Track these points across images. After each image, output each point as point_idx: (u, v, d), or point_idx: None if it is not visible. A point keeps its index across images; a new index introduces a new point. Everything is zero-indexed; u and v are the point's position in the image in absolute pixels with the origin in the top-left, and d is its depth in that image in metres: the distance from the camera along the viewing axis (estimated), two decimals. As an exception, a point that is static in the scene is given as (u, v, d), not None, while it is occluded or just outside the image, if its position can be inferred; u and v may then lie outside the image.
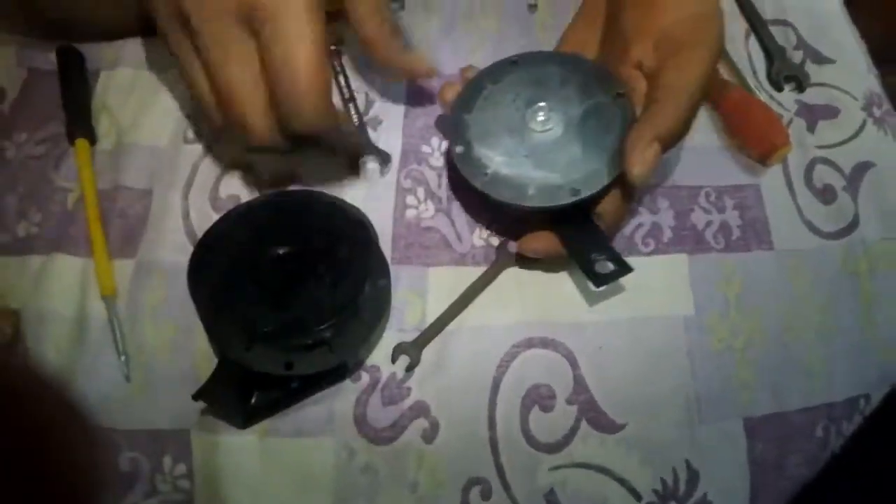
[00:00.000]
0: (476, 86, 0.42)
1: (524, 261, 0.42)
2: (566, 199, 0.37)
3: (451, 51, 0.49)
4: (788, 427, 0.40)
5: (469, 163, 0.39)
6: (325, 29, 0.34)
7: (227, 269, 0.36)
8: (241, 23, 0.34)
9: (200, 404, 0.37)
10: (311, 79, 0.33)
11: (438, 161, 0.45)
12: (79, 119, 0.47)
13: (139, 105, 0.48)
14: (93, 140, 0.47)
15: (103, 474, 0.36)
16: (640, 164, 0.36)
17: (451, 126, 0.41)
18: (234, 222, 0.37)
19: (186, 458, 0.38)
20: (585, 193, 0.37)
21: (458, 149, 0.40)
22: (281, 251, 0.36)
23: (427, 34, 0.50)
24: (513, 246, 0.42)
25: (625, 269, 0.38)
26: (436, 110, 0.47)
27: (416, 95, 0.47)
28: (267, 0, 0.33)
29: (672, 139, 0.37)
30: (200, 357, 0.40)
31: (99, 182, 0.45)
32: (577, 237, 0.39)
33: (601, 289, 0.39)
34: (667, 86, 0.37)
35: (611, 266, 0.38)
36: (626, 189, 0.39)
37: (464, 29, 0.50)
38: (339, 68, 0.48)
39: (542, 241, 0.40)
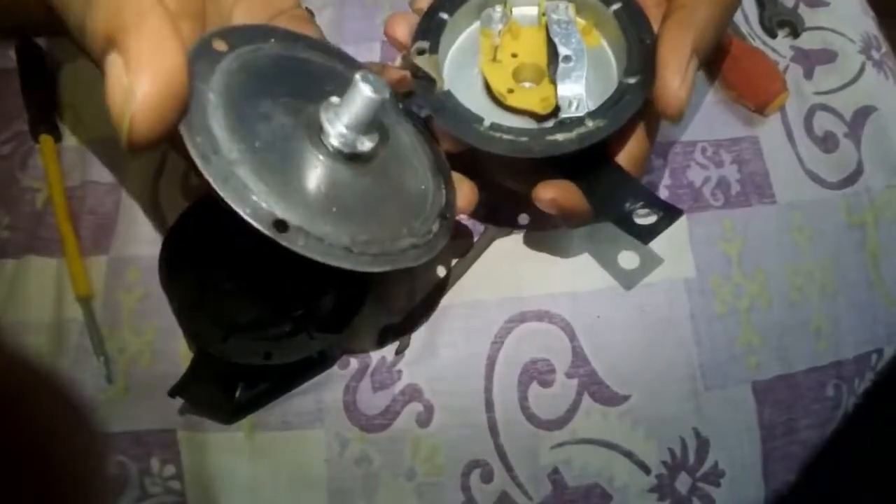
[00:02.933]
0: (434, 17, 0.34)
1: (524, 235, 0.40)
2: (590, 139, 0.30)
3: None
4: (797, 388, 0.39)
5: (458, 118, 0.32)
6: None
7: (200, 259, 0.34)
8: None
9: (182, 402, 0.35)
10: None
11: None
12: (41, 115, 0.45)
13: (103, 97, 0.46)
14: (58, 136, 0.45)
15: (103, 477, 0.35)
16: (682, 87, 0.29)
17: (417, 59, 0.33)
18: (204, 209, 0.35)
19: (175, 458, 0.37)
20: (614, 126, 0.30)
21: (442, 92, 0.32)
22: (254, 236, 0.34)
23: (396, 2, 0.48)
24: (524, 218, 0.39)
25: (674, 213, 0.30)
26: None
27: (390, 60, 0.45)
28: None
29: (707, 56, 0.31)
30: (183, 354, 0.38)
31: (67, 179, 0.44)
32: (604, 186, 0.32)
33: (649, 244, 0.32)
34: None
35: (653, 215, 0.30)
36: (651, 124, 0.33)
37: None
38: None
39: (562, 191, 0.32)
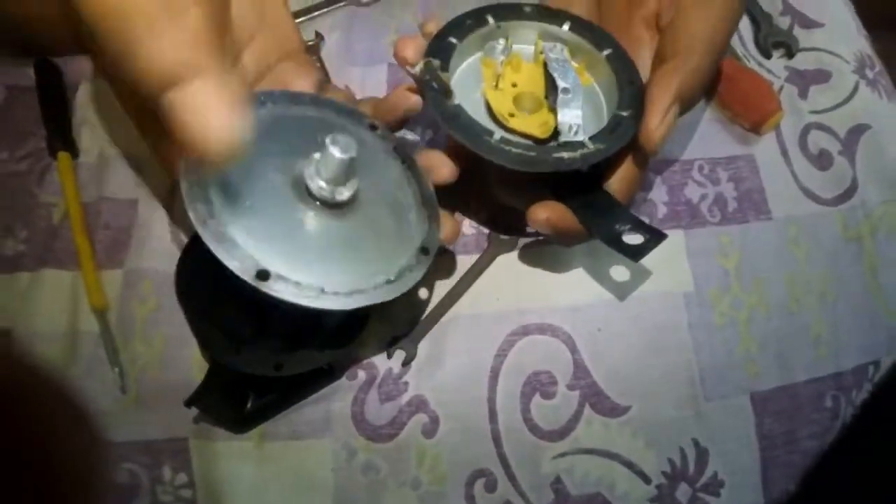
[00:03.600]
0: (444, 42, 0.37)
1: (525, 249, 0.41)
2: (592, 159, 0.33)
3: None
4: (796, 399, 0.40)
5: (469, 131, 0.34)
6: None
7: (213, 274, 0.35)
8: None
9: (197, 412, 0.36)
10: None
11: (417, 133, 0.45)
12: (59, 133, 0.47)
13: (121, 116, 0.47)
14: (75, 153, 0.47)
15: (104, 480, 0.36)
16: (661, 127, 0.33)
17: (433, 82, 0.35)
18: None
19: (186, 467, 0.37)
20: (613, 149, 0.33)
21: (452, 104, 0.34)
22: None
23: (403, 24, 0.49)
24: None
25: (659, 236, 0.33)
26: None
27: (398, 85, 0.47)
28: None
29: (692, 99, 0.35)
30: (195, 366, 0.39)
31: (83, 195, 0.45)
32: (594, 209, 0.35)
33: (638, 262, 0.34)
34: (689, 37, 0.34)
35: (640, 237, 0.33)
36: (639, 157, 0.36)
37: (441, 18, 0.49)
38: (318, 63, 0.47)
39: (555, 212, 0.34)
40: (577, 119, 0.34)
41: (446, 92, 0.34)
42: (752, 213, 0.43)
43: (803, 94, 0.46)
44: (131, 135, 0.46)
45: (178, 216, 0.44)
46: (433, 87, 0.34)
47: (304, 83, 0.35)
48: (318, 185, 0.30)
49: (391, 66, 0.47)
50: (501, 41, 0.38)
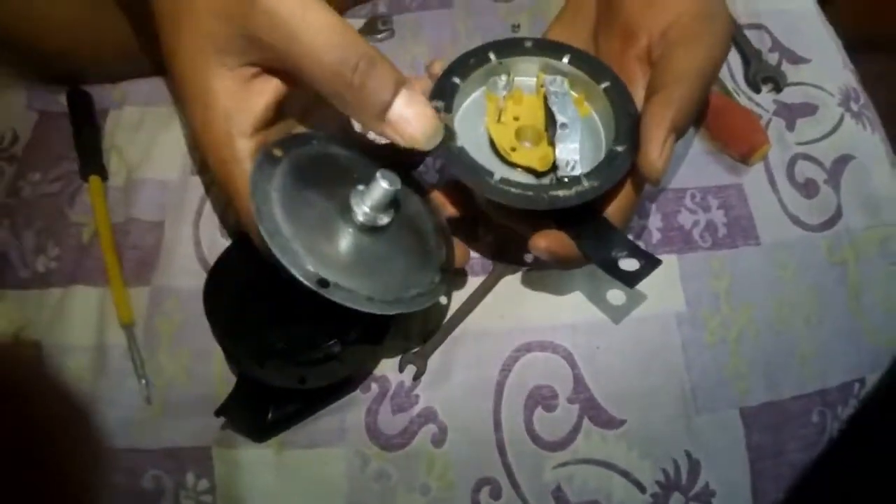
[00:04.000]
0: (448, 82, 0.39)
1: (528, 273, 0.44)
2: (587, 196, 0.35)
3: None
4: (784, 414, 0.41)
5: (470, 168, 0.36)
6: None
7: (240, 291, 0.38)
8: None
9: (219, 421, 0.39)
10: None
11: (433, 178, 0.47)
12: (90, 157, 0.50)
13: (147, 141, 0.50)
14: (104, 176, 0.49)
15: (106, 484, 0.38)
16: (661, 158, 0.35)
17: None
18: (245, 246, 0.39)
19: (209, 473, 0.40)
20: (607, 185, 0.35)
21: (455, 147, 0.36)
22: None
23: (415, 59, 0.52)
24: (530, 257, 0.44)
25: (654, 262, 0.35)
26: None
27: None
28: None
29: (684, 127, 0.36)
30: (217, 378, 0.42)
31: (112, 216, 0.48)
32: (592, 237, 0.37)
33: (633, 288, 0.36)
34: (679, 69, 0.36)
35: (636, 263, 0.35)
36: (636, 184, 0.38)
37: (450, 54, 0.52)
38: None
39: (554, 240, 0.37)
40: (574, 154, 0.37)
41: (450, 135, 0.37)
42: (741, 239, 0.45)
43: (790, 127, 0.49)
44: (159, 159, 0.50)
45: (204, 239, 0.46)
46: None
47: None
48: (364, 211, 0.34)
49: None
50: (504, 77, 0.40)
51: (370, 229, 0.34)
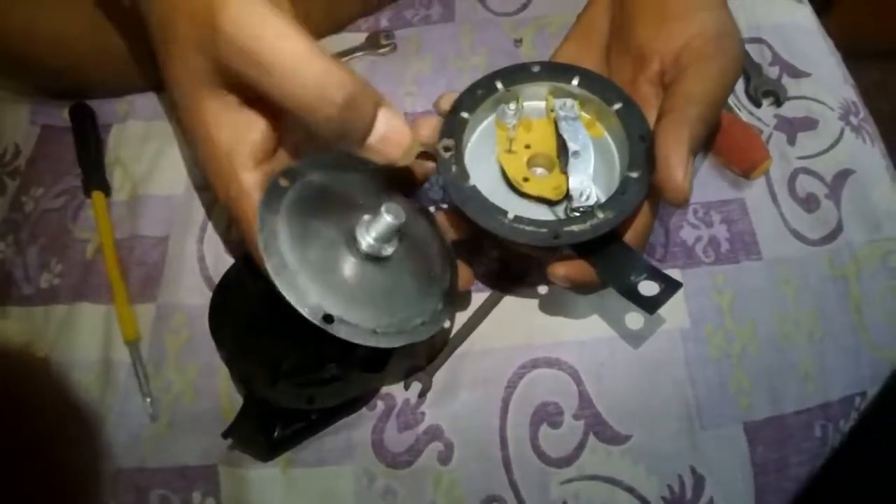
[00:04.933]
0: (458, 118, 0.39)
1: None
2: (601, 229, 0.35)
3: (443, 88, 0.51)
4: (787, 428, 0.42)
5: (482, 208, 0.36)
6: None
7: (245, 310, 0.38)
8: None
9: (227, 440, 0.39)
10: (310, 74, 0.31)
11: (437, 195, 0.47)
12: (94, 172, 0.50)
13: (151, 156, 0.50)
14: (108, 192, 0.50)
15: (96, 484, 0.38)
16: (686, 178, 0.34)
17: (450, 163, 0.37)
18: (250, 265, 0.39)
19: (215, 492, 0.40)
20: (622, 217, 0.35)
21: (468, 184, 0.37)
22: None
23: (418, 74, 0.52)
24: (543, 289, 0.44)
25: (675, 286, 0.35)
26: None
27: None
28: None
29: (699, 149, 0.36)
30: (223, 394, 0.42)
31: (116, 232, 0.48)
32: (611, 262, 0.36)
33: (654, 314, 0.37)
34: (692, 91, 0.36)
35: (656, 286, 0.35)
36: (652, 205, 0.38)
37: (453, 68, 0.53)
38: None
39: (573, 268, 0.37)
40: (587, 183, 0.37)
41: (462, 174, 0.37)
42: (743, 254, 0.45)
43: (791, 141, 0.49)
44: (163, 174, 0.50)
45: (209, 256, 0.47)
46: (449, 170, 0.37)
47: None
48: (368, 241, 0.34)
49: (408, 115, 0.50)
50: (512, 105, 0.40)
51: (375, 259, 0.35)
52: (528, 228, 0.35)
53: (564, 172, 0.38)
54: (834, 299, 0.45)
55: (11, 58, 0.48)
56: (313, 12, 0.40)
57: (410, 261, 0.37)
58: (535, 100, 0.41)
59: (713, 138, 0.48)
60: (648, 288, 0.35)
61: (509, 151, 0.39)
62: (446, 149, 0.38)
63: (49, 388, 0.44)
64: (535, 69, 0.40)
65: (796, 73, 0.52)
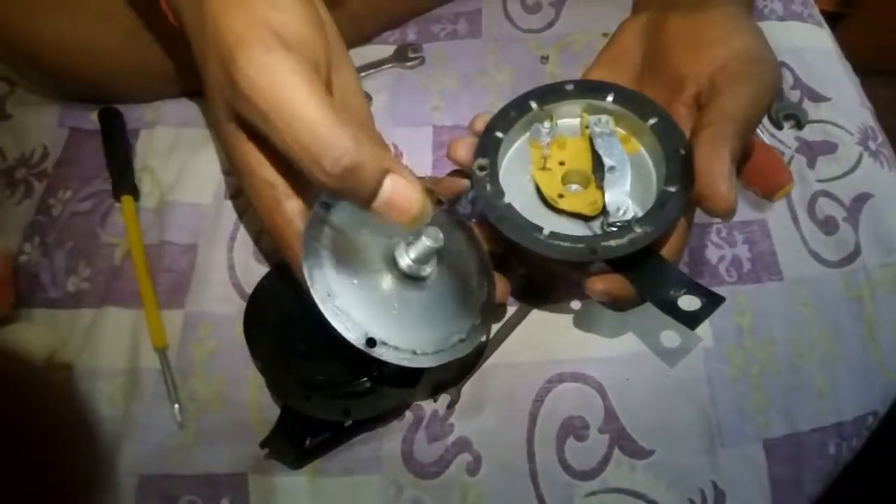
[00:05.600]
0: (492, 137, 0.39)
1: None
2: (639, 244, 0.35)
3: (468, 104, 0.52)
4: (803, 446, 0.43)
5: (517, 225, 0.37)
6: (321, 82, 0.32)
7: (280, 321, 0.39)
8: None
9: (254, 447, 0.39)
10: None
11: (466, 208, 0.48)
12: (123, 177, 0.50)
13: (181, 163, 0.51)
14: (137, 196, 0.50)
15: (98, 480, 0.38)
16: (731, 191, 0.34)
17: (487, 184, 0.38)
18: (284, 274, 0.39)
19: (244, 499, 0.40)
20: (660, 231, 0.35)
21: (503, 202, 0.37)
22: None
23: (445, 89, 0.53)
24: (576, 304, 0.45)
25: (717, 300, 0.34)
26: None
27: (443, 146, 0.50)
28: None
29: (739, 157, 0.35)
30: (251, 404, 0.42)
31: (145, 237, 0.48)
32: (648, 276, 0.36)
33: (696, 329, 0.36)
34: (728, 109, 0.36)
35: (697, 301, 0.34)
36: (689, 219, 0.38)
37: (478, 84, 0.53)
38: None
39: (612, 283, 0.37)
40: (624, 198, 0.37)
41: (497, 192, 0.38)
42: (765, 274, 0.46)
43: (811, 164, 0.50)
44: (192, 182, 0.50)
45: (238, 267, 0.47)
46: (484, 188, 0.38)
47: None
48: (408, 263, 0.35)
49: (436, 128, 0.51)
50: (546, 123, 0.40)
51: (414, 279, 0.36)
52: (564, 244, 0.36)
53: (600, 188, 0.38)
54: (849, 321, 0.46)
55: (44, 67, 0.48)
56: (337, 23, 0.40)
57: (448, 277, 0.37)
58: (568, 117, 0.41)
59: (745, 162, 0.49)
60: (689, 303, 0.34)
61: (543, 169, 0.40)
62: (481, 168, 0.39)
63: (72, 400, 0.44)
64: (569, 87, 0.41)
65: (816, 98, 0.53)
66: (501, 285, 0.40)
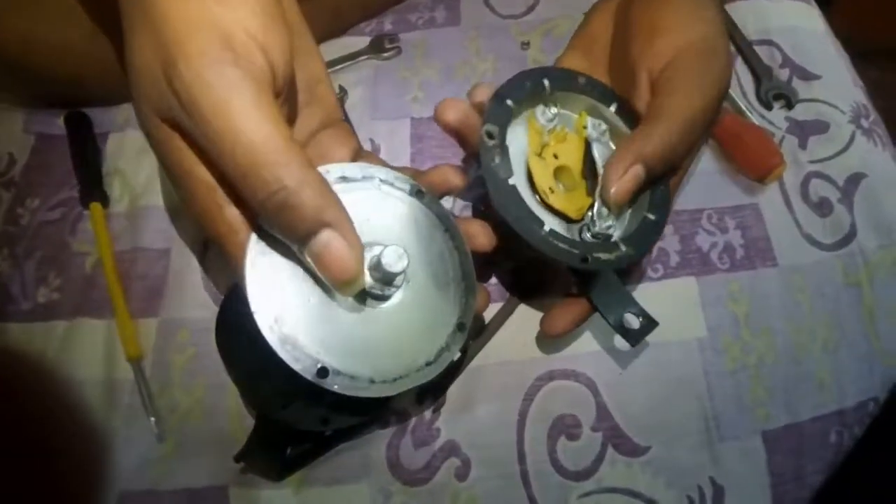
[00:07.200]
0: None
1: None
2: (623, 263, 0.35)
3: (450, 94, 0.50)
4: (804, 436, 0.41)
5: (522, 217, 0.34)
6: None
7: (253, 328, 0.37)
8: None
9: (233, 458, 0.38)
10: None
11: (447, 202, 0.46)
12: (91, 183, 0.48)
13: (152, 166, 0.49)
14: (106, 203, 0.48)
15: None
16: (616, 184, 0.34)
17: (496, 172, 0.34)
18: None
19: (226, 513, 0.39)
20: (641, 255, 0.36)
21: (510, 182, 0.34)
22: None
23: (424, 80, 0.51)
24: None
25: (653, 323, 0.37)
26: (443, 152, 0.48)
27: (422, 139, 0.49)
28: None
29: (660, 164, 0.35)
30: (232, 414, 0.41)
31: (116, 244, 0.47)
32: (606, 292, 0.37)
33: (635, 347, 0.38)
34: (658, 107, 0.35)
35: (638, 321, 0.37)
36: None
37: (461, 74, 0.52)
38: (343, 116, 0.49)
39: (570, 316, 0.38)
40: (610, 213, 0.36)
41: (505, 168, 0.34)
42: (758, 261, 0.45)
43: (803, 145, 0.49)
44: (162, 185, 0.48)
45: (212, 274, 0.45)
46: (492, 161, 0.34)
47: (343, 150, 0.37)
48: (371, 283, 0.31)
49: (414, 121, 0.49)
50: (552, 109, 0.38)
51: (378, 298, 0.32)
52: (561, 246, 0.34)
53: (590, 195, 0.37)
54: (847, 307, 0.45)
55: (8, 67, 0.46)
56: (313, 16, 0.38)
57: (420, 291, 0.33)
58: (567, 110, 0.39)
59: (721, 141, 0.48)
60: (631, 322, 0.37)
61: (539, 156, 0.37)
62: (489, 135, 0.34)
63: (50, 411, 0.42)
64: (581, 80, 0.38)
65: (806, 76, 0.52)
66: (483, 295, 0.37)
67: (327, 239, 0.28)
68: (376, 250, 0.31)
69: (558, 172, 0.38)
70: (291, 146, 0.27)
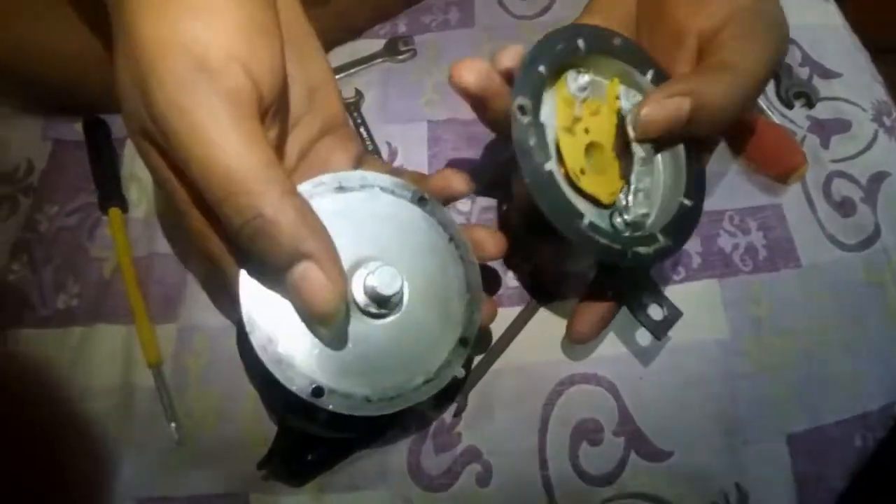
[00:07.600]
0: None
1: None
2: (663, 256, 0.33)
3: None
4: (828, 440, 0.41)
5: (560, 209, 0.30)
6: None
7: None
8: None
9: (254, 464, 0.37)
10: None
11: (465, 206, 0.46)
12: (109, 188, 0.48)
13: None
14: (125, 208, 0.48)
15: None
16: (653, 104, 0.31)
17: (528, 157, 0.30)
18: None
19: (246, 520, 0.39)
20: (680, 246, 0.33)
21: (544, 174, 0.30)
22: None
23: (439, 82, 0.51)
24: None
25: (677, 313, 0.36)
26: (458, 154, 0.48)
27: (439, 142, 0.49)
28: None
29: (707, 113, 0.32)
30: (248, 420, 0.41)
31: (135, 250, 0.46)
32: (633, 283, 0.35)
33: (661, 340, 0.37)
34: (720, 62, 0.33)
35: (662, 312, 0.35)
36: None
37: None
38: (359, 119, 0.49)
39: (596, 319, 0.37)
40: (647, 198, 0.34)
41: (542, 150, 0.30)
42: (781, 262, 0.44)
43: (825, 144, 0.48)
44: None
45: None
46: (526, 141, 0.30)
47: (344, 157, 0.36)
48: (364, 301, 0.30)
49: (430, 124, 0.49)
50: (585, 75, 0.33)
51: (374, 315, 0.31)
52: (602, 241, 0.30)
53: (623, 177, 0.34)
54: (870, 308, 0.44)
55: (18, 73, 0.46)
56: (324, 20, 0.37)
57: (420, 305, 0.32)
58: (599, 76, 0.34)
59: (743, 141, 0.47)
60: (655, 312, 0.35)
61: (569, 131, 0.32)
62: (522, 110, 0.29)
63: (63, 418, 0.42)
64: (617, 42, 0.33)
65: (827, 74, 0.51)
66: (488, 307, 0.36)
67: (304, 271, 0.27)
68: (371, 266, 0.30)
69: (590, 150, 0.33)
70: (270, 171, 0.26)
